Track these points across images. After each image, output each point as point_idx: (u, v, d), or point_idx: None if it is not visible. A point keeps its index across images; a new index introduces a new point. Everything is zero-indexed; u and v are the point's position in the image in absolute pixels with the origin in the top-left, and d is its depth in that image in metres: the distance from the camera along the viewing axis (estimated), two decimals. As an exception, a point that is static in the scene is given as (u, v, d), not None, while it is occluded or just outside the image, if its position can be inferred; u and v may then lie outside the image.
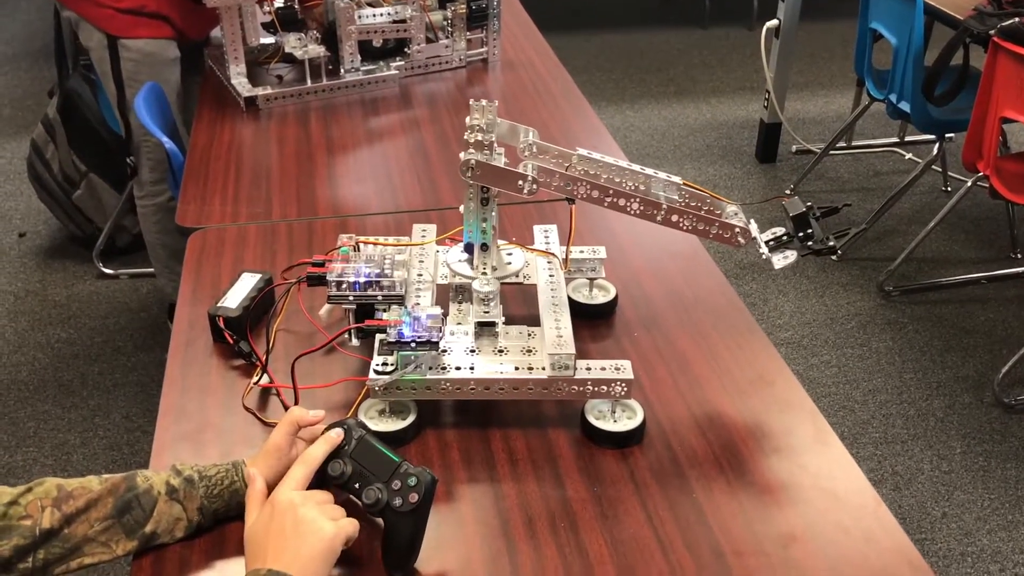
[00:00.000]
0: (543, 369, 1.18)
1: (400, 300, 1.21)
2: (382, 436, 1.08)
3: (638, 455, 1.18)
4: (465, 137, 1.23)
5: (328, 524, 0.96)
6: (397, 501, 0.99)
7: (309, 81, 2.16)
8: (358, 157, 1.95)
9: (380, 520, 1.02)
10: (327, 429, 1.06)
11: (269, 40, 2.24)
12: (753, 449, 1.20)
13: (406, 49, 2.28)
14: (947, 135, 3.15)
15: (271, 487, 1.03)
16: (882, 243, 3.34)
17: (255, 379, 1.28)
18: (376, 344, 1.21)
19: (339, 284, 1.21)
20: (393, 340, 1.16)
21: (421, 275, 1.32)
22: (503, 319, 1.25)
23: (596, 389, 1.19)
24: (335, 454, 1.04)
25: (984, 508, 2.31)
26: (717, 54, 4.96)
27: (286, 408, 1.21)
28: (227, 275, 1.52)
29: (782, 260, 1.25)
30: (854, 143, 3.95)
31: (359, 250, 1.28)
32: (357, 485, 1.02)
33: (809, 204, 1.25)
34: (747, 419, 1.25)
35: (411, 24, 2.22)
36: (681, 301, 1.48)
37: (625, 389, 1.18)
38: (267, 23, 2.24)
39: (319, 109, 2.14)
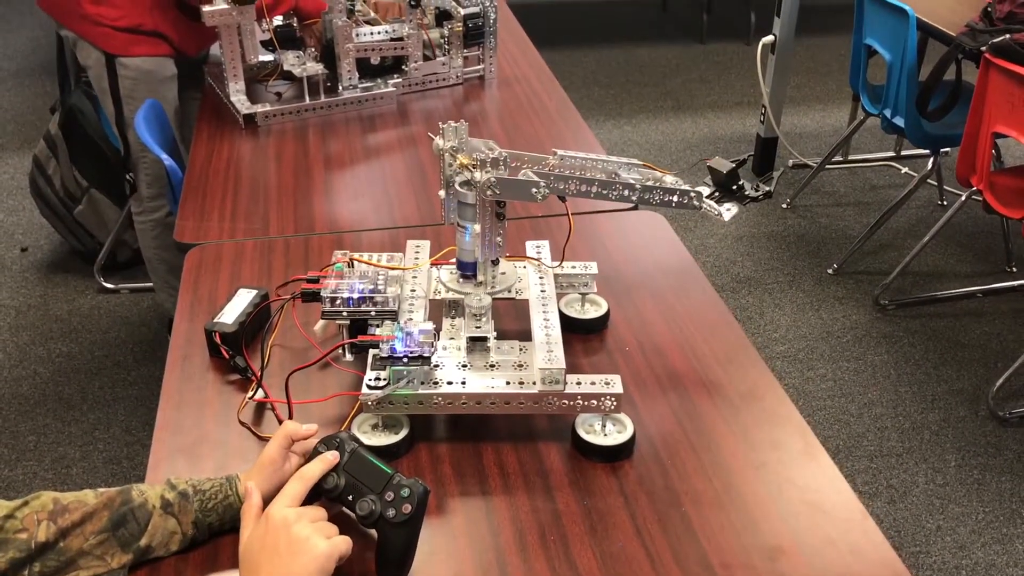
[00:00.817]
0: (534, 384, 1.20)
1: (393, 315, 1.23)
2: (375, 450, 1.10)
3: (628, 469, 1.20)
4: (460, 160, 1.26)
5: (322, 542, 0.97)
6: (390, 512, 1.01)
7: (307, 98, 2.19)
8: (355, 173, 1.97)
9: (373, 531, 1.03)
10: (320, 443, 1.08)
11: (268, 58, 2.26)
12: (742, 463, 1.21)
13: (404, 66, 2.31)
14: (942, 149, 3.18)
15: (266, 501, 1.04)
16: (878, 257, 3.36)
17: (250, 394, 1.29)
18: (369, 359, 1.23)
19: (333, 300, 1.23)
20: (386, 355, 1.18)
21: (414, 291, 1.33)
22: (495, 334, 1.27)
23: (586, 403, 1.20)
24: (328, 467, 1.06)
25: (979, 521, 2.32)
26: (715, 69, 4.99)
27: (280, 423, 1.23)
28: (224, 290, 1.54)
29: (728, 212, 1.37)
30: (850, 157, 3.98)
31: (353, 266, 1.30)
32: (351, 497, 1.04)
33: (734, 160, 1.38)
34: (736, 433, 1.26)
35: (408, 42, 2.25)
36: (673, 316, 1.49)
37: (615, 403, 1.20)
38: (266, 41, 2.27)
39: (317, 126, 2.16)
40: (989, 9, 2.80)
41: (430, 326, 1.19)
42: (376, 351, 1.20)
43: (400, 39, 2.24)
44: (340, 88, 2.22)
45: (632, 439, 1.22)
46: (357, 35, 2.19)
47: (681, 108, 4.54)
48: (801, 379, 2.79)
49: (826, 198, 3.75)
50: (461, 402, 1.20)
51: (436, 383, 1.20)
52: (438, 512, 1.14)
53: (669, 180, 1.33)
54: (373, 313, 1.23)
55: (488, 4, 2.30)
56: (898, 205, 3.29)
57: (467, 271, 1.34)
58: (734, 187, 1.38)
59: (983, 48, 2.57)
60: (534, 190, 1.23)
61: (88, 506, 1.02)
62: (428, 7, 2.27)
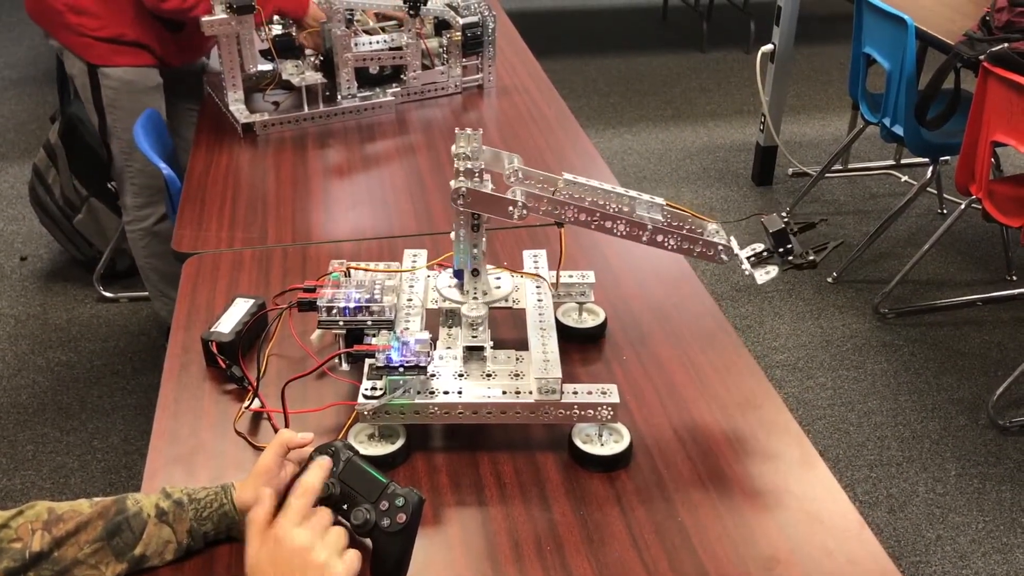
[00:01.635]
0: (530, 393, 1.20)
1: (390, 325, 1.22)
2: (371, 460, 1.09)
3: (625, 478, 1.20)
4: (456, 166, 1.25)
5: (339, 565, 0.95)
6: (385, 521, 1.00)
7: (306, 107, 2.19)
8: (354, 182, 1.98)
9: (368, 541, 1.03)
10: (315, 452, 1.08)
11: (266, 67, 2.27)
12: (739, 472, 1.21)
13: (402, 76, 2.31)
14: (941, 158, 3.18)
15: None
16: (878, 265, 3.36)
17: (246, 403, 1.29)
18: (365, 369, 1.23)
19: (329, 309, 1.23)
20: (382, 365, 1.17)
21: (411, 300, 1.33)
22: (491, 343, 1.26)
23: (583, 413, 1.20)
24: (323, 476, 1.06)
25: (979, 531, 2.31)
26: (714, 78, 4.99)
27: (276, 432, 1.22)
28: (221, 300, 1.54)
29: (764, 275, 1.29)
30: (850, 166, 3.98)
31: (350, 276, 1.30)
32: (345, 506, 1.03)
33: (787, 220, 1.29)
34: (734, 442, 1.26)
35: (407, 51, 2.25)
36: (670, 325, 1.49)
37: (611, 413, 1.20)
38: (264, 50, 2.27)
39: (316, 135, 2.17)
40: (987, 18, 2.81)
41: (426, 336, 1.19)
42: (372, 361, 1.19)
43: (399, 48, 2.25)
44: (339, 97, 2.23)
45: (629, 449, 1.21)
46: (356, 44, 2.19)
47: (681, 117, 4.55)
48: (801, 388, 2.78)
49: (826, 206, 3.75)
50: (457, 412, 1.20)
51: (432, 393, 1.20)
52: (434, 522, 1.13)
53: (711, 228, 1.26)
54: (369, 322, 1.22)
55: (487, 13, 2.31)
56: (898, 213, 3.29)
57: (460, 277, 1.34)
58: (781, 249, 1.29)
59: (981, 57, 2.58)
60: (511, 208, 1.23)
61: (83, 515, 1.02)
62: (427, 16, 2.27)
